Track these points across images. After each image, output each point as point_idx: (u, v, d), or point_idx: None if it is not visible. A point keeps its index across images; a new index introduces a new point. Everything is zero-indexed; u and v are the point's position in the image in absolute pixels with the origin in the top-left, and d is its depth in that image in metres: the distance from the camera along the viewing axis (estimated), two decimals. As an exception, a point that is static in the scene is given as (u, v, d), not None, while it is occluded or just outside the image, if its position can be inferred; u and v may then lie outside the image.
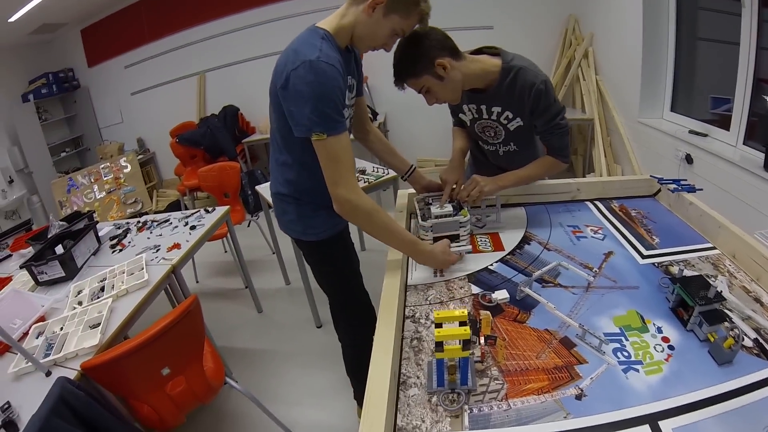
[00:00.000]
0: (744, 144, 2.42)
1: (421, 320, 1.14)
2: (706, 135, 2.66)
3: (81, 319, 1.56)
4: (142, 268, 1.83)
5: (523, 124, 1.58)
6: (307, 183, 1.41)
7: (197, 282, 3.50)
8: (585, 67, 4.21)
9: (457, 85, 1.46)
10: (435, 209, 1.47)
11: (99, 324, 1.52)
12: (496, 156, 1.78)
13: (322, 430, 2.06)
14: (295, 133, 1.25)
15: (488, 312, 1.12)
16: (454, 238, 1.43)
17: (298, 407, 2.18)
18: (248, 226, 3.50)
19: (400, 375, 0.97)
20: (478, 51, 1.54)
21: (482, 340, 1.02)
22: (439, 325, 0.83)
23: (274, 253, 3.23)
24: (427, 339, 1.06)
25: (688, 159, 2.69)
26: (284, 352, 2.59)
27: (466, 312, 0.83)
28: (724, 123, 2.59)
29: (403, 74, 1.41)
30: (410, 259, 1.40)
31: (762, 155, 2.18)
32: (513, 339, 1.04)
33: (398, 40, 1.35)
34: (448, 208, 1.46)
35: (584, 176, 4.21)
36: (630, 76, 3.35)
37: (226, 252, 3.79)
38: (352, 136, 1.58)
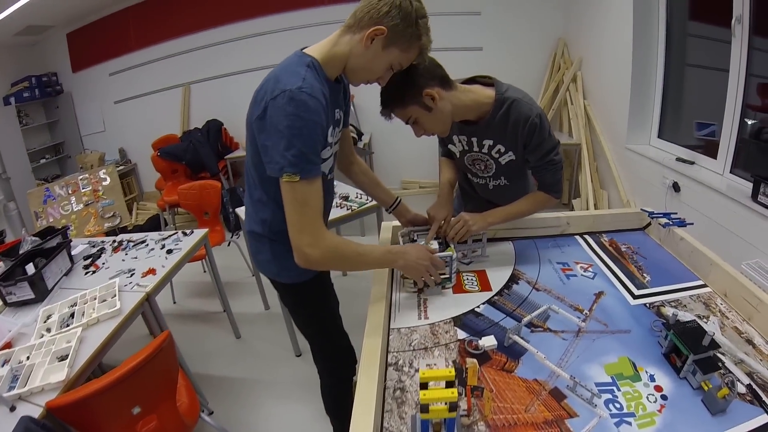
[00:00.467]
0: (731, 172, 2.43)
1: (404, 368, 1.08)
2: (693, 162, 2.68)
3: (48, 349, 1.47)
4: (115, 296, 1.74)
5: (515, 158, 1.53)
6: (283, 223, 1.23)
7: (174, 303, 3.39)
8: (573, 91, 4.25)
9: (447, 117, 1.40)
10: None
11: (67, 356, 1.43)
12: (486, 189, 1.74)
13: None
14: (267, 171, 1.13)
15: (475, 360, 1.06)
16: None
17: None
18: (228, 245, 3.42)
19: (383, 429, 0.91)
20: (471, 80, 1.49)
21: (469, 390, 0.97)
22: (424, 386, 0.78)
23: (253, 275, 3.14)
24: (411, 390, 1.01)
25: (676, 187, 2.70)
26: (262, 382, 2.50)
27: (453, 372, 0.78)
28: (710, 150, 2.62)
29: (389, 104, 1.35)
30: (393, 301, 1.35)
31: (749, 184, 2.19)
32: (501, 390, 1.00)
33: None
34: (434, 245, 1.41)
35: (569, 201, 4.23)
36: (618, 101, 3.38)
37: (205, 272, 3.68)
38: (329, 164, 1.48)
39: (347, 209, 2.63)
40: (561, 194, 1.59)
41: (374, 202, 2.63)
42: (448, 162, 1.77)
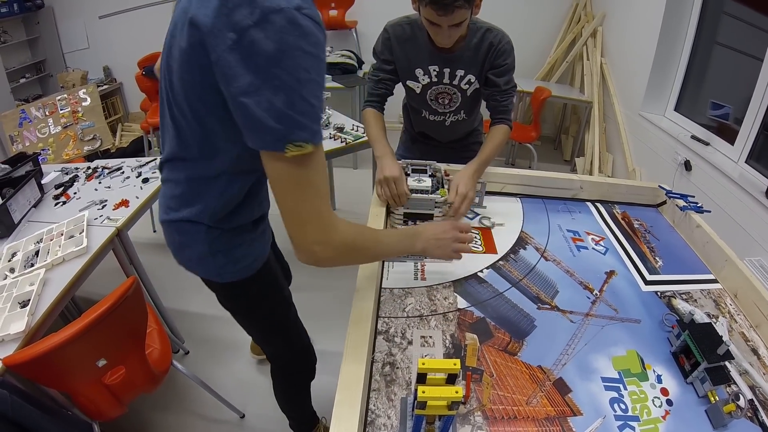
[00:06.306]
0: (746, 162, 2.30)
1: (395, 339, 0.97)
2: (707, 144, 2.54)
3: (10, 293, 1.34)
4: (82, 231, 1.59)
5: (479, 87, 1.56)
6: (232, 205, 0.98)
7: (155, 231, 3.23)
8: (591, 46, 4.01)
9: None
10: (412, 182, 1.33)
11: (29, 301, 1.30)
12: (440, 127, 1.71)
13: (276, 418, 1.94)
14: (251, 143, 0.74)
15: (475, 336, 0.98)
16: (427, 218, 1.32)
17: (253, 389, 2.04)
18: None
19: (368, 412, 0.82)
20: None
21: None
22: (422, 378, 0.68)
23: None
24: (402, 366, 0.91)
25: (687, 165, 2.57)
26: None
27: (458, 365, 0.67)
28: (725, 134, 2.48)
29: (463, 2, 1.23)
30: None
31: (764, 179, 2.09)
32: (502, 376, 0.91)
33: None
34: (427, 182, 1.33)
35: (572, 158, 4.10)
36: (639, 65, 3.17)
37: (187, 197, 3.51)
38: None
39: (341, 141, 2.45)
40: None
41: None
42: (376, 114, 1.58)
